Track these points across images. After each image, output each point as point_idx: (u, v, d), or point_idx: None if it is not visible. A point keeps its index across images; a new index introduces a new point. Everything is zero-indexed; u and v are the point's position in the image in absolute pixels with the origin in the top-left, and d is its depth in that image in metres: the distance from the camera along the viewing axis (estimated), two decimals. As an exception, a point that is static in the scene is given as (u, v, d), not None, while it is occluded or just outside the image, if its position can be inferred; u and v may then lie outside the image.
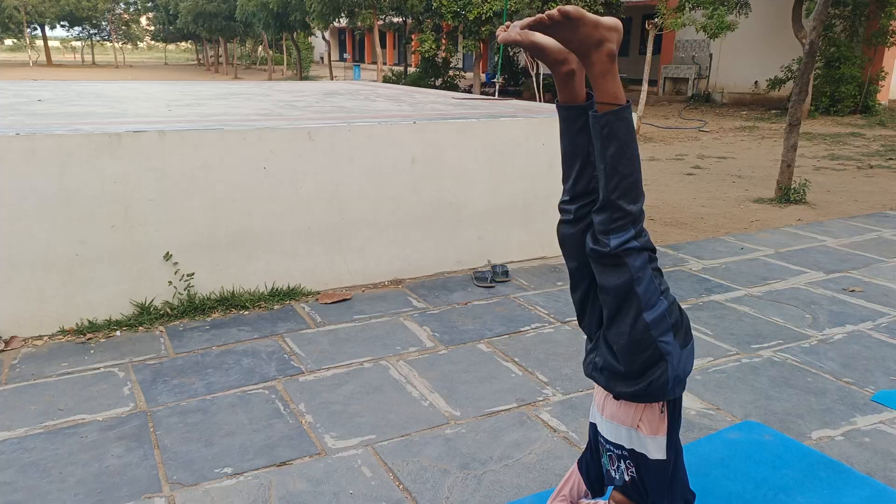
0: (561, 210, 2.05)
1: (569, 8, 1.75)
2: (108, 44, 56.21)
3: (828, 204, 7.59)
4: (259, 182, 4.16)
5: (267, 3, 21.06)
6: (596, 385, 2.15)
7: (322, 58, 50.14)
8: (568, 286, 4.96)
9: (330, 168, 4.37)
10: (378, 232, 4.63)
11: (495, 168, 4.95)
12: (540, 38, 1.84)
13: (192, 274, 4.08)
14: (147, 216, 3.90)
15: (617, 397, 2.02)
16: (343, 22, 23.07)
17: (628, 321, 1.88)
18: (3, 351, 3.59)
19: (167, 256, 4.00)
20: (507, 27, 1.81)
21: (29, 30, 44.13)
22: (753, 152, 11.69)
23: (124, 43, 56.55)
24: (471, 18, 16.71)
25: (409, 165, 4.62)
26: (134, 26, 56.15)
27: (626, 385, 1.95)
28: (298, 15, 20.68)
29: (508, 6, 13.68)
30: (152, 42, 62.28)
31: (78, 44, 59.87)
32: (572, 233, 2.01)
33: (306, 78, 29.24)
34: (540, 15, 1.75)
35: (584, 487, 2.26)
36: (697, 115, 17.47)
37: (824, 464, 2.63)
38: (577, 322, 4.01)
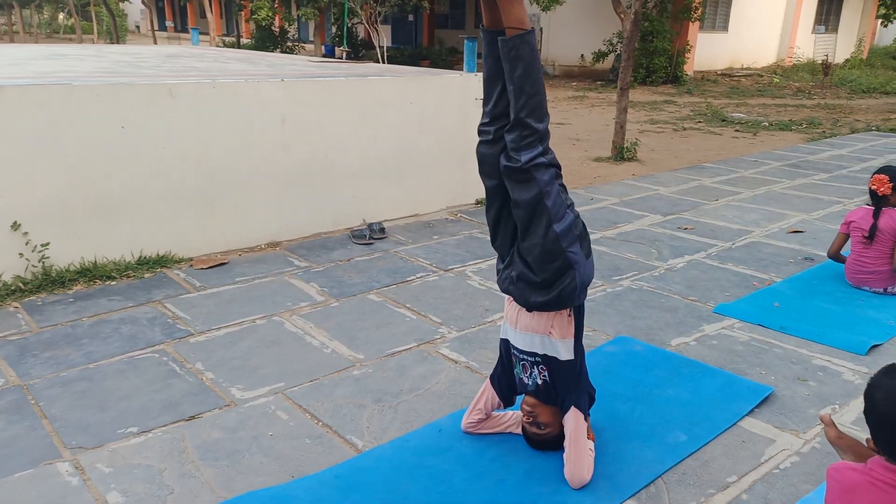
0: (480, 132, 2.19)
1: None
2: None
3: (654, 160, 8.46)
4: (118, 143, 3.88)
5: (75, -37, 18.92)
6: (507, 303, 2.34)
7: (138, 26, 45.98)
8: (443, 239, 5.17)
9: (195, 127, 4.17)
10: (251, 194, 4.51)
11: (366, 127, 4.99)
12: None
13: (47, 244, 3.73)
14: (-11, 182, 3.51)
15: (530, 309, 2.23)
16: (166, -13, 21.37)
17: (540, 232, 2.09)
18: None
19: (15, 226, 3.62)
20: None
21: None
22: (586, 119, 12.63)
23: None
24: (309, -14, 16.26)
25: (280, 125, 4.53)
26: None
27: (539, 295, 2.16)
28: (114, -23, 18.80)
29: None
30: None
31: None
32: (491, 153, 2.17)
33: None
34: None
35: (497, 399, 2.47)
36: (532, 85, 18.44)
37: (685, 363, 3.06)
38: (458, 269, 4.26)
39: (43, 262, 3.73)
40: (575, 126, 11.51)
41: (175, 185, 4.15)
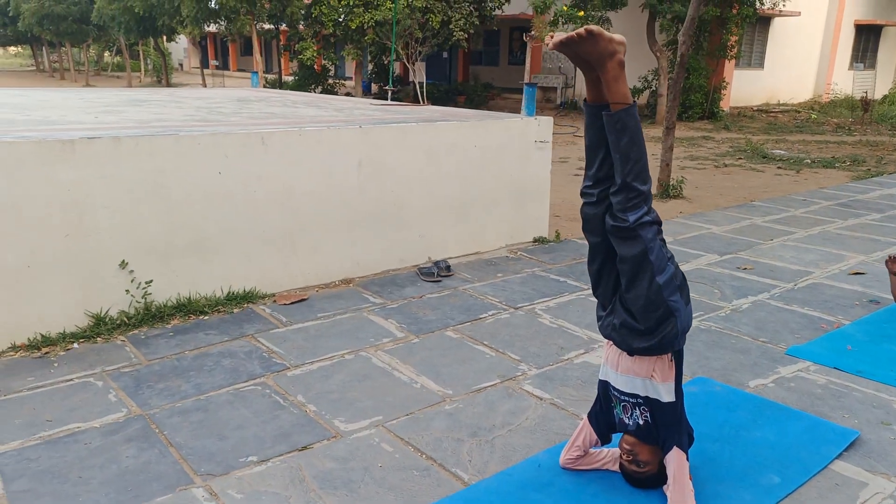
0: (584, 194, 2.38)
1: (592, 27, 2.13)
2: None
3: (700, 198, 8.57)
4: (214, 187, 4.15)
5: (131, 7, 19.87)
6: (607, 347, 2.49)
7: (181, 64, 47.66)
8: (507, 277, 5.33)
9: (282, 172, 4.43)
10: (328, 233, 4.75)
11: (433, 169, 5.22)
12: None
13: (150, 281, 3.99)
14: (101, 224, 3.79)
15: (631, 353, 2.38)
16: (214, 27, 22.29)
17: (644, 284, 2.25)
18: (-50, 371, 3.35)
19: (123, 264, 3.89)
20: (552, 38, 2.14)
21: None
22: (627, 155, 12.79)
23: (-59, 45, 50.38)
24: (353, 27, 16.85)
25: (356, 168, 4.78)
26: (-43, 27, 50.29)
27: (642, 341, 2.31)
28: (167, 19, 19.71)
29: (397, 16, 14.00)
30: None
31: None
32: (595, 213, 2.35)
33: (173, 86, 27.79)
34: (571, 33, 2.12)
35: (594, 437, 2.61)
36: (568, 121, 18.73)
37: (767, 405, 3.16)
38: (528, 307, 4.42)
39: (145, 298, 3.98)
40: (617, 163, 11.66)
41: (262, 226, 4.41)
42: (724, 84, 18.36)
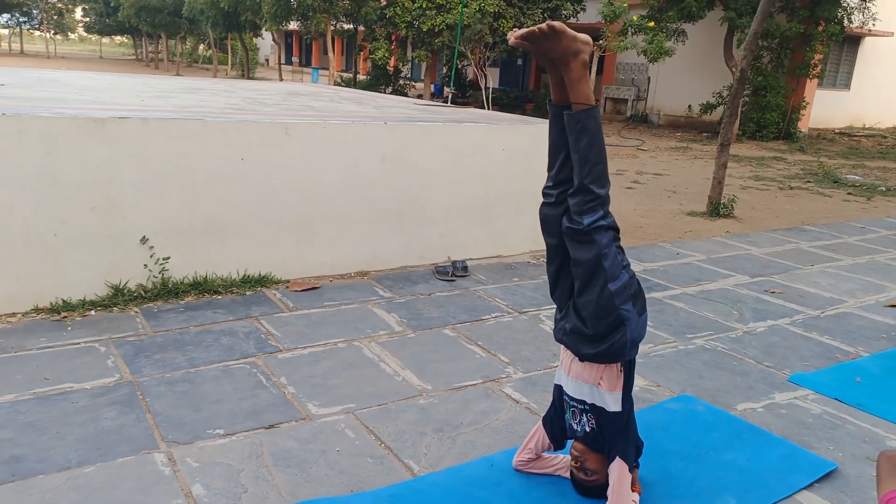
0: (544, 194, 2.38)
1: (555, 23, 2.13)
2: (37, 33, 53.97)
3: (753, 219, 8.24)
4: (237, 172, 4.34)
5: (217, 2, 20.87)
6: (563, 351, 2.48)
7: (267, 60, 49.56)
8: (523, 282, 5.31)
9: (304, 162, 4.58)
10: (347, 225, 4.87)
11: (458, 170, 5.27)
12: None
13: (168, 258, 4.21)
14: (126, 200, 4.03)
15: (582, 359, 2.36)
16: (294, 25, 23.11)
17: (596, 290, 2.23)
18: (-22, 326, 3.65)
19: (143, 240, 4.13)
20: (513, 32, 2.15)
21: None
22: (686, 171, 12.43)
23: (55, 33, 54.41)
24: (424, 30, 17.11)
25: (380, 164, 4.89)
26: (68, 16, 54.21)
27: (591, 347, 2.29)
28: (250, 15, 20.57)
29: (463, 20, 14.14)
30: (84, 34, 60.26)
31: (5, 31, 57.35)
32: (553, 213, 2.34)
33: (252, 79, 29.01)
34: (532, 28, 2.12)
35: (547, 441, 2.59)
36: (635, 134, 18.35)
37: (747, 429, 3.04)
38: (533, 312, 4.39)
39: (162, 274, 4.21)
40: (673, 177, 11.38)
41: (281, 213, 4.57)
42: (804, 104, 17.56)
